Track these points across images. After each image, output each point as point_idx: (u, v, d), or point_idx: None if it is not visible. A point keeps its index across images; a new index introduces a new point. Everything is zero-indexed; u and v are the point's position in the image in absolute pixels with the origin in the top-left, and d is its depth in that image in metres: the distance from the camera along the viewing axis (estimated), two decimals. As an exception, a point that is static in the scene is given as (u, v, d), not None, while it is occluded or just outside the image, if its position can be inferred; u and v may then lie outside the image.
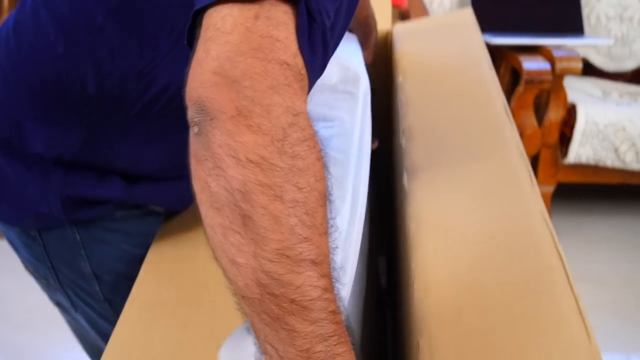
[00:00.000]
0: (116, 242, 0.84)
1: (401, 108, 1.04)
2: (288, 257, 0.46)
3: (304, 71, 0.50)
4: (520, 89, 2.29)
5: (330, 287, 0.48)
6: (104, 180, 0.79)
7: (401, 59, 1.24)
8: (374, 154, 0.94)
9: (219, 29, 0.48)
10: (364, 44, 1.19)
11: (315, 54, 0.52)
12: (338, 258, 0.54)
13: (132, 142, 0.77)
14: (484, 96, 1.00)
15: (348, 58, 1.05)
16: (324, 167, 0.49)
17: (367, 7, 1.21)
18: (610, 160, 2.35)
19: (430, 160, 0.88)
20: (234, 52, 0.47)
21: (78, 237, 0.82)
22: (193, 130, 0.48)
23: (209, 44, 0.47)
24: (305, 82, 0.51)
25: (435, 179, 0.84)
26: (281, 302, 0.46)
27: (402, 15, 2.34)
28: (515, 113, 2.28)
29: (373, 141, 0.96)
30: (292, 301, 0.46)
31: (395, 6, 2.28)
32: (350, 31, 1.22)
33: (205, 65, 0.47)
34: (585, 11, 2.68)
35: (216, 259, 0.48)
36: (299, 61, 0.49)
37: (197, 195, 0.48)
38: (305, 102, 0.50)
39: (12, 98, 0.76)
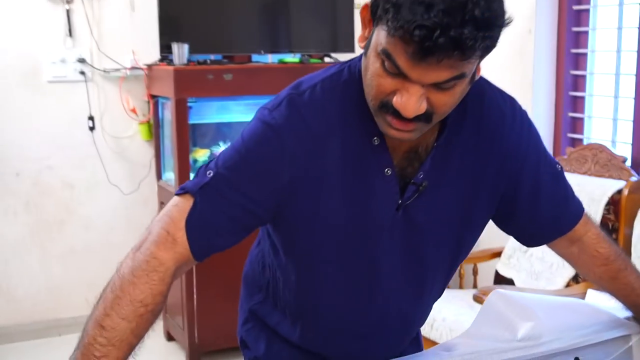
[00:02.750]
0: None
1: None
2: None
3: (181, 240, 1.07)
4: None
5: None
6: None
7: None
8: None
9: (165, 207, 1.12)
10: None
11: (197, 220, 1.09)
12: None
13: None
14: None
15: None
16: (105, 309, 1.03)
17: (614, 262, 1.31)
18: None
19: None
20: (157, 219, 1.10)
21: None
22: None
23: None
24: (180, 246, 1.07)
25: None
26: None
27: None
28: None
29: None
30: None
31: None
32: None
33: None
34: None
35: None
36: (180, 233, 1.08)
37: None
38: (170, 257, 1.06)
39: None
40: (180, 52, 3.16)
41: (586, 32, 3.12)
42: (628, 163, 2.83)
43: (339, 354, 1.28)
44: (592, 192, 2.72)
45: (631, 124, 2.90)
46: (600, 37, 3.09)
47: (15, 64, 3.41)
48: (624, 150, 2.95)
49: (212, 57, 3.38)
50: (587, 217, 1.29)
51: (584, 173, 2.88)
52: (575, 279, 2.69)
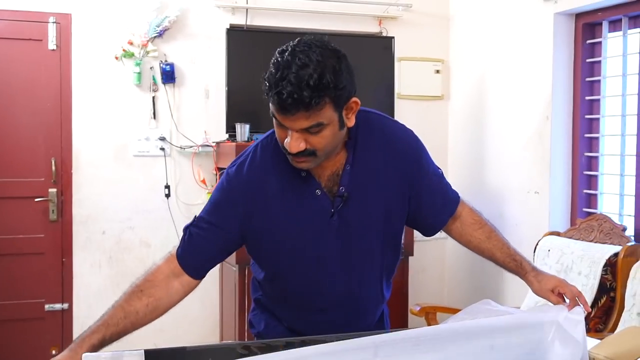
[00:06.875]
0: None
1: None
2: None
3: (175, 261, 1.61)
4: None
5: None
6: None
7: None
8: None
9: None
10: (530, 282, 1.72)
11: (186, 249, 1.63)
12: None
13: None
14: None
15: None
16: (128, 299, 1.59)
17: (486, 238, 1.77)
18: None
19: None
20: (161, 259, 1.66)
21: None
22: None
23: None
24: (178, 265, 1.60)
25: None
26: None
27: None
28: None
29: None
30: None
31: None
32: None
33: None
34: None
35: None
36: (174, 260, 1.61)
37: None
38: (168, 267, 1.60)
39: None
40: (242, 131, 3.75)
41: (598, 119, 3.54)
42: (629, 232, 3.17)
43: (311, 326, 1.67)
44: (593, 256, 3.07)
45: (633, 199, 3.26)
46: (609, 123, 3.50)
47: (110, 140, 4.08)
48: (629, 221, 3.29)
49: (272, 137, 3.92)
50: (462, 200, 1.80)
51: (591, 240, 3.23)
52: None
